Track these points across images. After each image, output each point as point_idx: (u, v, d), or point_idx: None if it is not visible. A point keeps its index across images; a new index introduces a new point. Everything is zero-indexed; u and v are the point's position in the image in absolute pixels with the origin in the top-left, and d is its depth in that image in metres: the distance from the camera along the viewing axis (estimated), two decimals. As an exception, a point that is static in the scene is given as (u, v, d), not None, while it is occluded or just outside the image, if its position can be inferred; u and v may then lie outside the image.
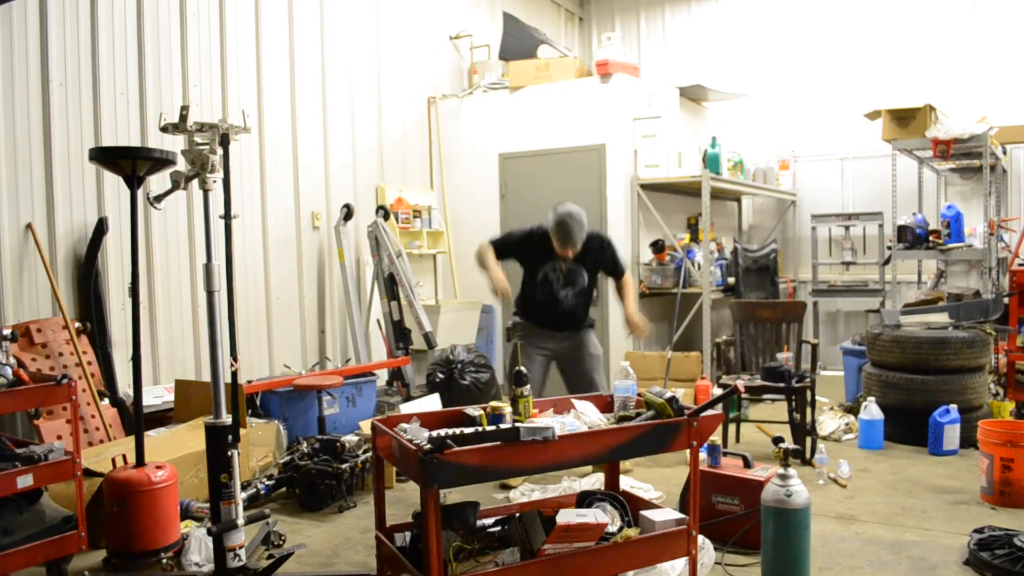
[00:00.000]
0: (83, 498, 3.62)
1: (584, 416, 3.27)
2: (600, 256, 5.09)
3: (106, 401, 4.96)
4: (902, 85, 8.65)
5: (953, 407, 5.51)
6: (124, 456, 4.09)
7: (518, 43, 8.57)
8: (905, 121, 6.95)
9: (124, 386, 5.18)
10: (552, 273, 5.01)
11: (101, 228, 5.10)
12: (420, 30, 8.11)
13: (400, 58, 7.85)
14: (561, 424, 3.07)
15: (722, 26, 9.88)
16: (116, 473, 3.75)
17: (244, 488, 4.35)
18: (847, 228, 8.86)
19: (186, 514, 4.11)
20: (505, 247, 5.08)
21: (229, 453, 3.35)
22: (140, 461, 3.79)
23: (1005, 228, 7.62)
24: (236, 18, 6.19)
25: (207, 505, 4.05)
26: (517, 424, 2.91)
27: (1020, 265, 6.73)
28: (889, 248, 7.46)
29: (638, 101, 7.50)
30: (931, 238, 7.12)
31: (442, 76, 8.46)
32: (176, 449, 4.44)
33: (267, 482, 4.64)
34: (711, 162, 7.34)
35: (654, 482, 4.97)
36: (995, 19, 8.46)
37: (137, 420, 3.85)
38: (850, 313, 9.25)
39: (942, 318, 6.15)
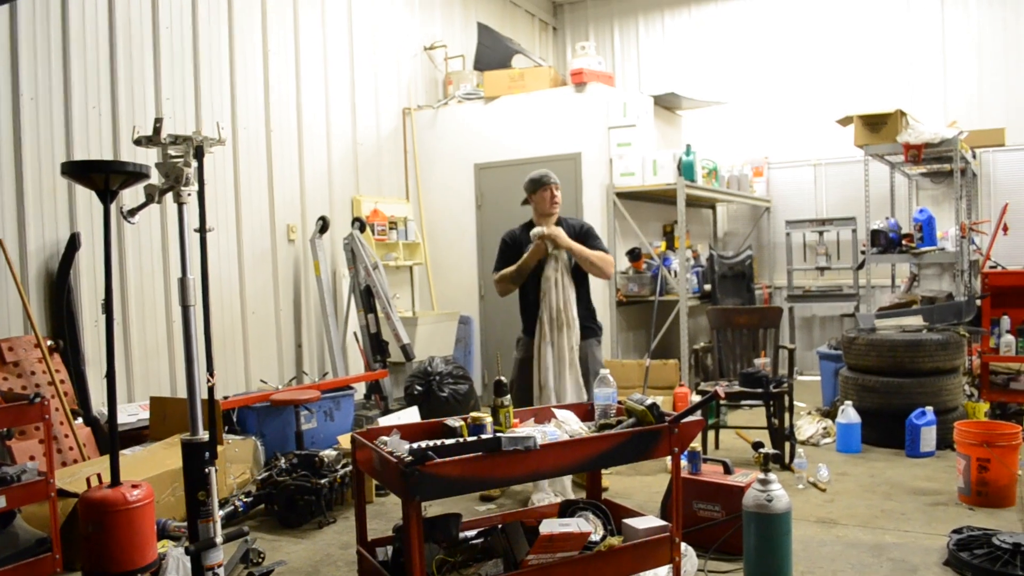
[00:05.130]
0: (57, 519, 3.56)
1: (565, 425, 3.27)
2: (581, 230, 4.95)
3: (80, 420, 4.89)
4: (873, 91, 8.77)
5: (929, 409, 5.56)
6: (99, 475, 4.02)
7: (493, 53, 8.60)
8: (877, 127, 7.02)
9: (98, 404, 5.12)
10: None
11: (73, 243, 5.04)
12: (394, 41, 8.11)
13: (374, 69, 7.85)
14: (542, 433, 3.06)
15: (695, 35, 9.96)
16: (91, 493, 3.69)
17: (222, 506, 4.32)
18: (821, 233, 8.94)
19: (163, 533, 4.06)
20: (504, 260, 4.97)
21: (206, 470, 3.31)
22: (115, 480, 3.73)
23: (976, 231, 7.71)
24: (209, 30, 6.16)
25: (184, 524, 3.98)
26: (498, 434, 2.90)
27: (991, 267, 6.81)
28: (863, 253, 7.52)
29: (613, 110, 7.53)
30: (904, 242, 7.18)
31: (417, 87, 8.46)
32: (152, 467, 4.39)
33: (245, 499, 4.59)
34: (686, 170, 7.38)
35: (635, 490, 4.97)
36: (964, 26, 8.59)
37: (112, 438, 3.78)
38: (825, 318, 9.33)
39: (916, 321, 6.21)
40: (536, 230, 4.74)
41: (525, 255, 4.77)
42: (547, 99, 7.67)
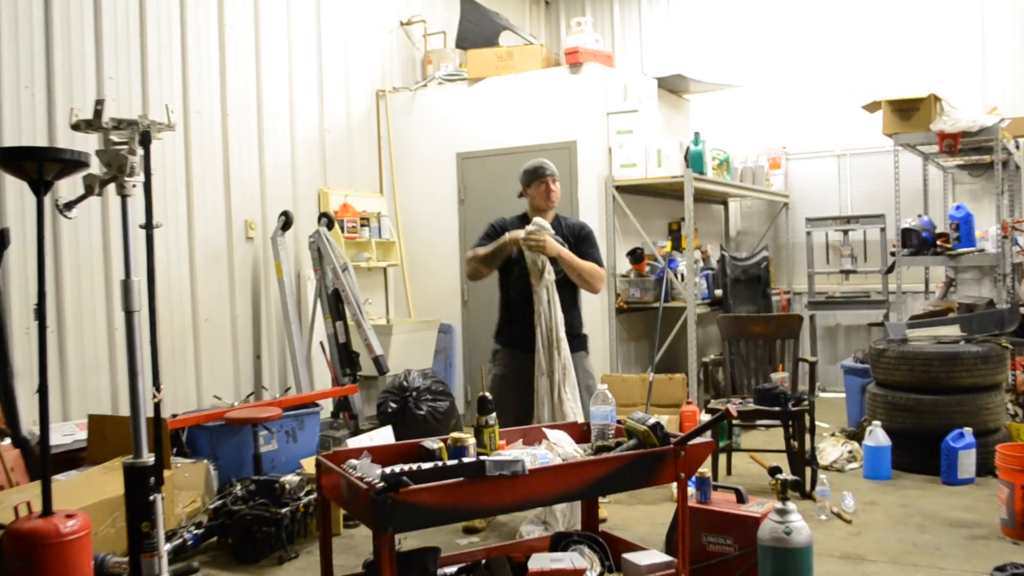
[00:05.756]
0: (-19, 553, 3.53)
1: (558, 447, 3.27)
2: (579, 232, 4.98)
3: (7, 441, 4.86)
4: (904, 74, 8.80)
5: (967, 430, 5.57)
6: (28, 504, 3.99)
7: (477, 29, 8.60)
8: (908, 113, 7.05)
9: (28, 423, 5.07)
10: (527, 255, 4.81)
11: (2, 240, 5.01)
12: (367, 15, 8.11)
13: (344, 46, 7.84)
14: (532, 457, 3.05)
15: (705, 10, 9.99)
16: (19, 524, 3.66)
17: (169, 538, 4.28)
18: (846, 232, 8.97)
19: (101, 570, 4.03)
20: (489, 234, 4.93)
21: (151, 498, 3.30)
22: (47, 509, 3.70)
23: (1019, 230, 7.75)
24: (158, 1, 6.14)
25: (126, 559, 3.95)
26: (482, 457, 2.89)
27: (1036, 271, 6.85)
28: (892, 254, 7.56)
29: (612, 93, 7.54)
30: (939, 242, 7.22)
31: (392, 66, 8.45)
32: (89, 495, 4.36)
33: (195, 531, 4.56)
34: (694, 161, 7.39)
35: (636, 521, 4.96)
36: (1005, 0, 8.63)
37: (43, 462, 3.76)
38: (851, 327, 9.36)
39: (953, 331, 6.23)
40: (535, 224, 4.71)
41: (503, 239, 4.76)
42: (538, 81, 7.67)
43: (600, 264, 4.94)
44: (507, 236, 4.76)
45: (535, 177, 4.92)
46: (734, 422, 6.22)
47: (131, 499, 3.32)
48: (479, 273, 4.92)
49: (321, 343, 6.93)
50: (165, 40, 6.20)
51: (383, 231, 7.85)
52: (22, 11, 5.33)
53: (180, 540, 4.45)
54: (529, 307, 4.74)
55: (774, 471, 4.40)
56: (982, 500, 5.17)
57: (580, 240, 4.93)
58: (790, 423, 5.46)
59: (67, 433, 5.22)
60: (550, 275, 4.69)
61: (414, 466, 2.85)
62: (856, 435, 6.45)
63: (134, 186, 3.37)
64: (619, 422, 3.46)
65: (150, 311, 3.37)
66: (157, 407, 3.45)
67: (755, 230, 9.87)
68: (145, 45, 6.04)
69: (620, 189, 7.49)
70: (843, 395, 7.54)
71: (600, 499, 4.29)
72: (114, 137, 3.35)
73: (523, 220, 4.91)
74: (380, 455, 3.13)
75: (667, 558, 3.17)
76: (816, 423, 5.76)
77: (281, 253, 6.72)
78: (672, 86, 8.51)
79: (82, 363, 5.60)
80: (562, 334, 4.68)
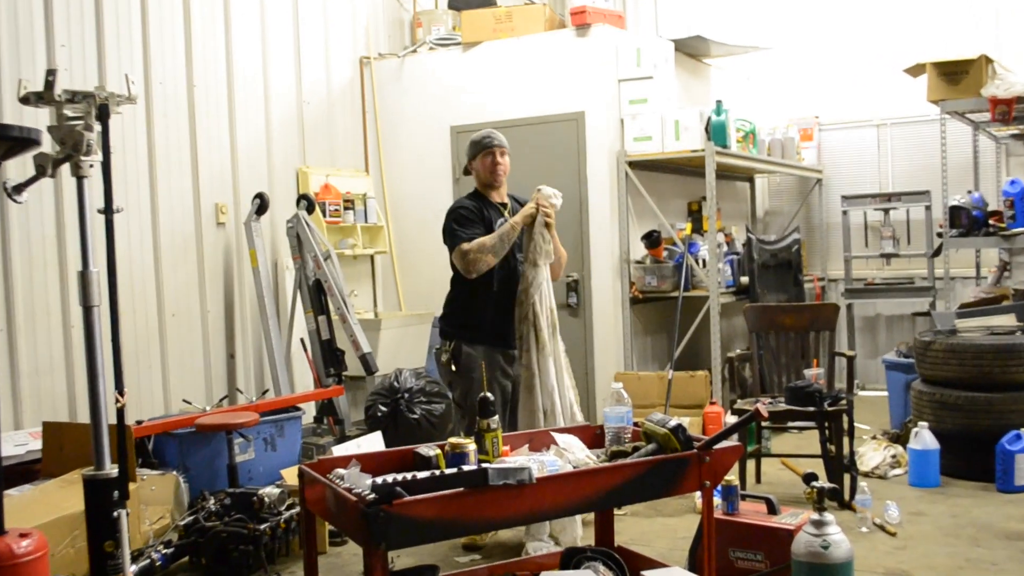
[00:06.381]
0: (-74, 577, 3.54)
1: (568, 453, 3.27)
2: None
3: (-46, 451, 4.87)
4: (952, 33, 8.76)
5: (1025, 431, 5.59)
6: (-21, 521, 4.01)
7: (472, -13, 8.58)
8: (956, 77, 7.04)
9: (-23, 432, 5.10)
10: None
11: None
12: (348, -28, 8.10)
13: (324, 7, 7.83)
14: (539, 464, 3.06)
15: (727, -37, 9.97)
16: (-32, 544, 3.67)
17: (135, 559, 4.29)
18: (886, 212, 8.95)
19: (61, 594, 4.05)
20: (470, 230, 4.90)
21: (115, 514, 3.30)
22: None
23: (1081, 207, 7.75)
24: (113, -41, 6.14)
25: (88, 581, 3.98)
26: (484, 465, 2.89)
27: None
28: (939, 235, 7.54)
29: (624, 58, 7.52)
30: (991, 221, 7.21)
31: (378, 30, 8.44)
32: (46, 511, 4.36)
33: (164, 550, 4.57)
34: (716, 133, 7.37)
35: (655, 535, 4.97)
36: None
37: (-5, 474, 3.77)
38: (893, 317, 9.36)
39: (1008, 320, 6.23)
40: (548, 191, 4.74)
41: (514, 220, 4.78)
42: (541, 45, 7.65)
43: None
44: (519, 215, 4.79)
45: (480, 148, 4.96)
46: (764, 424, 6.23)
47: (92, 516, 3.32)
48: (487, 266, 4.85)
49: (302, 340, 6.94)
50: (123, 2, 6.19)
51: (369, 214, 7.84)
52: (-37, -29, 5.33)
53: (147, 560, 4.46)
54: (511, 296, 4.85)
55: (809, 478, 4.40)
56: (1041, 509, 5.19)
57: None
58: (826, 425, 5.45)
59: (20, 443, 5.23)
60: (550, 251, 4.78)
61: (408, 475, 2.85)
62: (900, 438, 6.46)
63: (91, 166, 3.37)
64: (636, 425, 3.46)
65: (111, 306, 3.37)
66: (120, 413, 3.44)
67: (785, 210, 9.86)
68: (101, 8, 6.02)
69: (633, 165, 7.47)
70: (885, 393, 7.55)
71: (616, 511, 4.30)
72: (68, 111, 3.34)
73: (477, 198, 4.99)
74: (370, 464, 3.13)
75: (690, 575, 3.18)
76: (855, 425, 5.76)
77: (256, 240, 6.72)
78: (691, 49, 8.49)
79: (35, 365, 5.60)
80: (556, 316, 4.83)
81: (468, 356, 4.92)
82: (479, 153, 4.97)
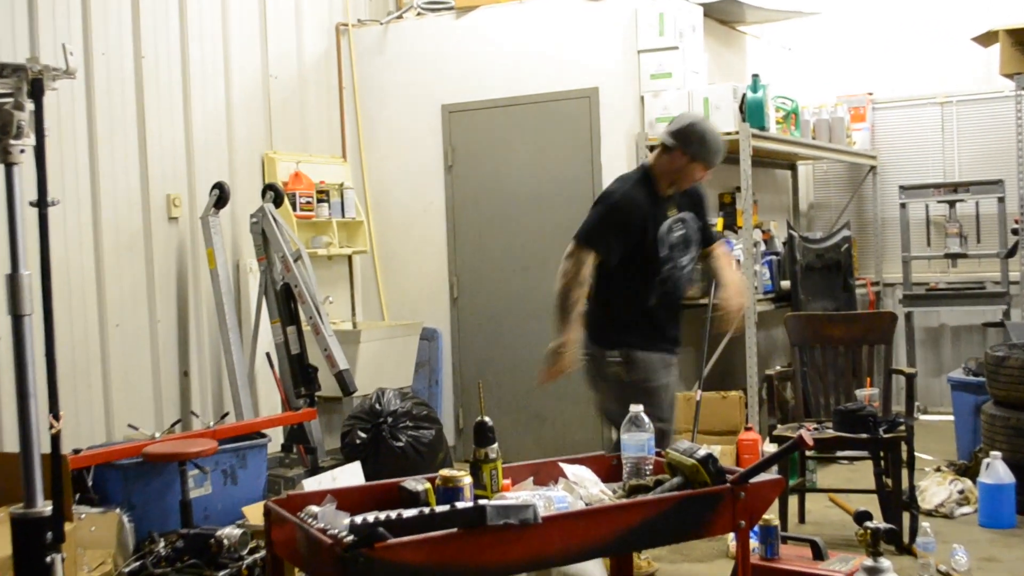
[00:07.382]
0: None
1: (579, 487, 3.27)
2: (700, 205, 5.27)
3: None
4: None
5: (1115, 463, 5.59)
6: None
7: (467, -58, 8.61)
8: (1034, 47, 7.06)
9: None
10: (675, 233, 5.04)
11: None
12: (322, -75, 8.12)
13: (294, -34, 7.85)
14: (546, 500, 3.05)
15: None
16: None
17: (73, 610, 4.29)
18: (952, 204, 8.94)
19: (-15, 652, 4.05)
20: (607, 232, 4.96)
21: (48, 559, 3.30)
22: (-86, 574, 3.73)
23: None
24: (48, -90, 6.16)
25: (17, 637, 3.98)
26: (481, 502, 2.89)
27: None
28: (1015, 232, 7.56)
29: (645, 25, 7.52)
30: (1075, 216, 7.23)
31: (357, -8, 8.47)
32: (-32, 554, 4.37)
33: (107, 600, 4.58)
34: (752, 112, 7.38)
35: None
36: None
37: (-92, 512, 3.78)
38: (960, 328, 9.35)
39: (1094, 333, 6.24)
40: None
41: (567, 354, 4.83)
42: (547, 9, 7.65)
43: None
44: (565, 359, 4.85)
45: (702, 157, 4.94)
46: (808, 454, 6.22)
47: (21, 560, 3.32)
48: (563, 291, 4.88)
49: (268, 355, 6.94)
50: (60, -40, 6.22)
51: (347, 208, 7.85)
52: None
53: (87, 613, 4.47)
54: (670, 311, 5.18)
55: (861, 517, 4.40)
56: None
57: (704, 212, 5.31)
58: (881, 455, 5.45)
59: (-62, 475, 5.24)
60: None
61: (392, 513, 2.85)
62: (969, 470, 6.44)
63: (22, 151, 3.37)
64: (658, 454, 3.46)
65: (45, 315, 3.37)
66: (55, 440, 3.44)
67: (833, 202, 9.87)
68: (34, -33, 6.05)
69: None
70: (951, 417, 7.54)
71: (636, 556, 4.30)
72: (-5, 88, 3.35)
73: (649, 186, 5.00)
74: (347, 500, 3.13)
75: (723, 631, 3.18)
76: (915, 454, 5.76)
77: (215, 237, 6.71)
78: (723, 15, 8.50)
79: (-44, 384, 5.61)
80: None
81: (645, 363, 5.03)
82: (697, 159, 4.93)
